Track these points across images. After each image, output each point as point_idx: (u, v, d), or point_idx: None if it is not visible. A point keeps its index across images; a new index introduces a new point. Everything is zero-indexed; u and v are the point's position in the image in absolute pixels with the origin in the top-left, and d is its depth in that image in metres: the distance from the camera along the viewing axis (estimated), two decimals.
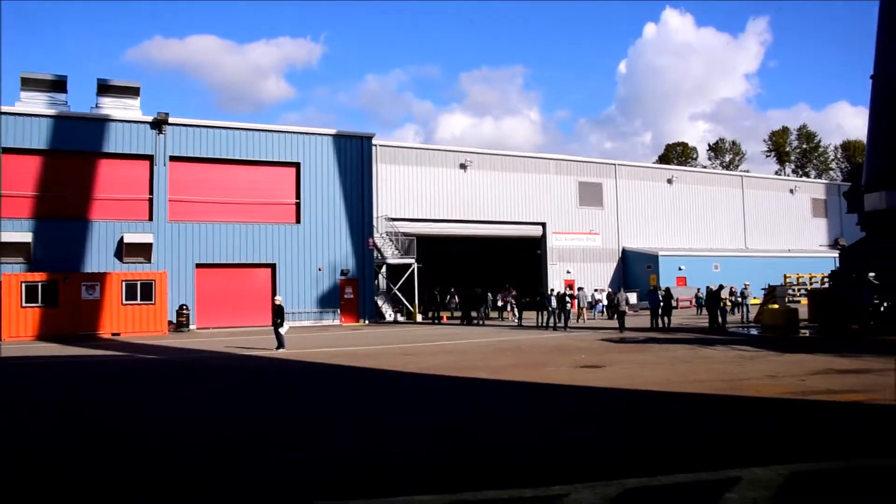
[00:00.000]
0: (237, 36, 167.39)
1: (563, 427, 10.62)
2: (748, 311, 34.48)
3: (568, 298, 33.61)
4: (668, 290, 32.14)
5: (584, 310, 40.62)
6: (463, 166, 48.38)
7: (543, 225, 51.36)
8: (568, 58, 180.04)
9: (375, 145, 43.57)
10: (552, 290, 34.51)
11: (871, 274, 25.06)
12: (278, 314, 23.87)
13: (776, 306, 29.44)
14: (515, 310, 39.55)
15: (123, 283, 32.52)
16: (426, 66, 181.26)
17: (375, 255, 41.34)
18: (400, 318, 42.04)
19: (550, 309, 32.48)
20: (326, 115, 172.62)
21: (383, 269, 43.26)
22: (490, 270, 57.90)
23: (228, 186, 37.68)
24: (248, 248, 37.65)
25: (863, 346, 21.01)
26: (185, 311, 34.69)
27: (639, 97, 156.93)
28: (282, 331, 23.59)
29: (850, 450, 8.48)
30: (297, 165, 39.25)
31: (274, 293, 36.06)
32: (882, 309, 24.61)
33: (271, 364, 20.63)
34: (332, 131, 40.72)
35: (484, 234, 50.48)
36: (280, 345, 23.39)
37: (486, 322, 39.41)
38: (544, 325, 32.51)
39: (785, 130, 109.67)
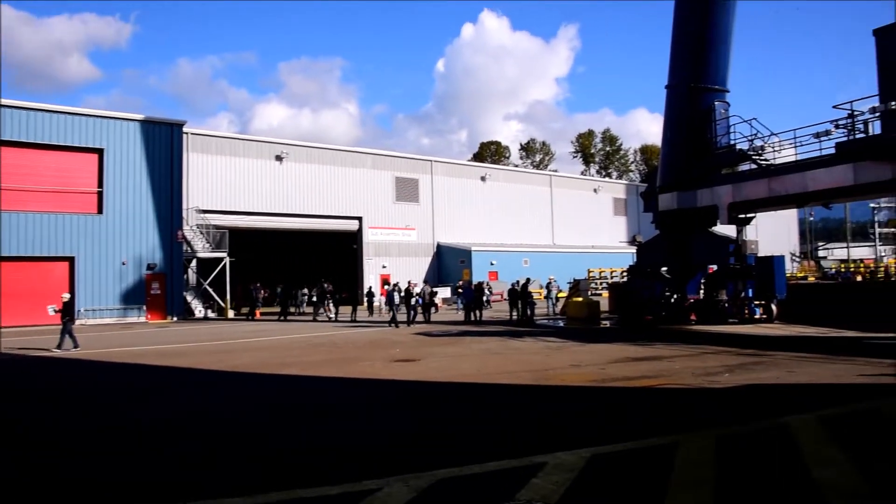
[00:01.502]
0: (35, 8, 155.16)
1: (376, 420, 10.65)
2: (554, 304, 36.14)
3: (415, 293, 32.49)
4: (479, 284, 33.03)
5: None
6: (279, 158, 47.45)
7: (360, 219, 51.38)
8: (387, 52, 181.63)
9: (186, 133, 41.76)
10: (395, 284, 33.54)
11: (664, 268, 26.99)
12: (66, 312, 22.31)
13: (580, 299, 31.06)
14: (331, 305, 39.22)
15: None
16: (243, 53, 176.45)
17: (185, 248, 39.60)
18: (211, 315, 40.57)
19: (395, 305, 31.03)
20: (135, 99, 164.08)
21: (193, 264, 41.53)
22: (306, 265, 57.20)
23: (21, 172, 34.48)
24: (44, 240, 34.79)
25: (655, 335, 22.59)
26: None
27: (456, 95, 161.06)
28: (66, 329, 22.07)
29: (642, 431, 9.06)
30: (99, 152, 36.73)
31: (72, 288, 33.72)
32: (672, 301, 26.60)
33: (60, 365, 19.24)
34: (140, 117, 38.55)
35: (300, 228, 49.77)
36: (75, 344, 21.90)
37: (302, 317, 38.88)
38: (390, 322, 30.65)
39: (590, 133, 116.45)
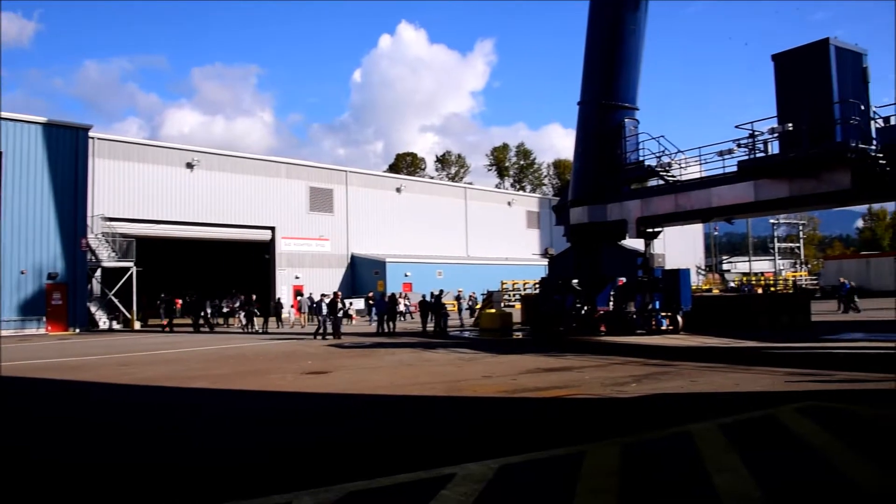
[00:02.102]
0: None
1: (286, 432, 10.51)
2: (472, 316, 36.13)
3: (341, 305, 31.00)
4: (392, 295, 32.97)
5: (305, 315, 40.83)
6: (190, 166, 46.40)
7: (273, 229, 50.66)
8: (304, 61, 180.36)
9: (93, 138, 40.43)
10: (322, 295, 32.24)
11: (575, 281, 27.51)
12: None
13: (493, 311, 31.36)
14: (243, 316, 38.48)
15: None
16: (154, 56, 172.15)
17: (89, 257, 38.29)
18: (116, 326, 39.29)
19: (322, 316, 29.85)
20: (38, 101, 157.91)
21: (98, 273, 40.14)
22: (217, 275, 56.08)
23: None
24: None
25: (566, 346, 23.00)
26: None
27: (372, 106, 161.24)
28: None
29: (551, 441, 9.20)
30: None
31: None
32: (583, 312, 27.12)
33: None
34: (43, 119, 37.16)
35: (211, 238, 48.79)
36: None
37: (215, 329, 38.06)
38: (314, 333, 29.87)
39: (505, 147, 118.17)
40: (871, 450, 7.96)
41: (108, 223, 40.99)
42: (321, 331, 29.79)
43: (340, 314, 30.36)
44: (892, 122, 20.65)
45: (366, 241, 56.34)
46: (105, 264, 39.40)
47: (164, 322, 38.16)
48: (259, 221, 49.95)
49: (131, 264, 39.64)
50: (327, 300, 30.47)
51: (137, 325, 39.65)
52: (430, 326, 31.00)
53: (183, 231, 46.47)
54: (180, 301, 44.52)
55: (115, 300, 39.84)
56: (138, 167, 44.02)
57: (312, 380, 16.41)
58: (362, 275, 54.64)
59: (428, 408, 12.71)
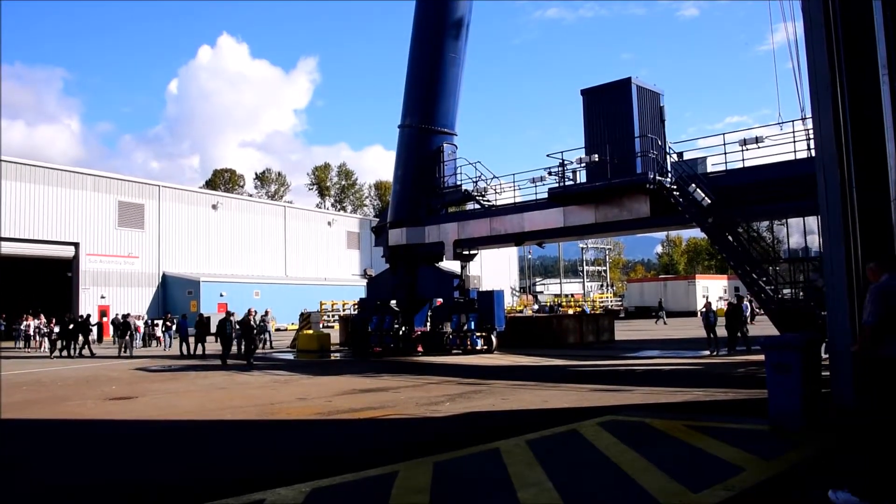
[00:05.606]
0: None
1: (84, 466, 9.87)
2: (271, 338, 34.75)
3: (261, 324, 27.55)
4: (200, 316, 31.83)
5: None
6: None
7: (77, 245, 47.45)
8: (116, 67, 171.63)
9: None
10: (231, 314, 28.12)
11: (393, 301, 27.78)
12: None
13: (311, 331, 31.02)
14: (48, 340, 35.50)
15: None
16: None
17: None
18: None
19: (234, 338, 26.46)
20: None
21: None
22: (13, 294, 51.78)
23: None
24: None
25: (384, 366, 23.10)
26: None
27: (189, 119, 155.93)
28: None
29: (364, 462, 9.16)
30: None
31: None
32: (401, 333, 27.41)
33: None
34: None
35: (5, 254, 44.98)
36: None
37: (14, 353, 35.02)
38: (222, 359, 25.60)
39: (327, 167, 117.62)
40: (661, 458, 8.52)
41: None
42: (228, 354, 26.08)
43: (253, 335, 27.03)
44: (684, 158, 22.54)
45: (179, 260, 54.04)
46: None
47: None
48: (62, 237, 46.60)
49: None
50: (237, 318, 26.92)
51: None
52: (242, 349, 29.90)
53: None
54: None
55: None
56: None
57: (116, 406, 15.47)
58: (175, 294, 52.29)
59: (238, 432, 12.33)
